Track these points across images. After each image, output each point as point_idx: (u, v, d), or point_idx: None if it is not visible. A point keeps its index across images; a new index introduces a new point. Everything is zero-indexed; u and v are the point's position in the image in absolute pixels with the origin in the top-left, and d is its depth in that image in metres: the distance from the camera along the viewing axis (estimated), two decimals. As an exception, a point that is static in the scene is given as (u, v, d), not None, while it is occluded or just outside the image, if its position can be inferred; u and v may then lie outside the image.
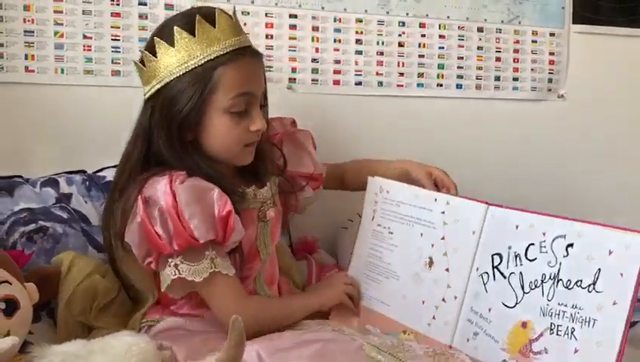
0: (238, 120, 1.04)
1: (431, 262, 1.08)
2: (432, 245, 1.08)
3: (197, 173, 1.01)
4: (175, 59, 1.00)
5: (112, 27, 1.38)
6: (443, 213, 1.08)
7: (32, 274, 0.98)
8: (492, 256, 0.99)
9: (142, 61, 1.06)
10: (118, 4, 1.38)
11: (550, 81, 1.74)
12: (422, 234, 1.10)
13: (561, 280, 0.89)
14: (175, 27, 1.01)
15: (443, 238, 1.06)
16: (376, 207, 1.20)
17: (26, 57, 1.32)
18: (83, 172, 1.26)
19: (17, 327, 0.88)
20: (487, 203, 1.03)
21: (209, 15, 1.02)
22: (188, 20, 1.02)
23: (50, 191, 1.16)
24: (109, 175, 1.24)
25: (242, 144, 1.06)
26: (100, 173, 1.26)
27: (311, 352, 0.88)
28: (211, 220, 0.96)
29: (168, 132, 1.02)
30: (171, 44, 1.01)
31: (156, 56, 1.02)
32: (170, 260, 0.97)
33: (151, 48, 1.03)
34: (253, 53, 1.07)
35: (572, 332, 0.86)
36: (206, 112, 1.02)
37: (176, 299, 1.04)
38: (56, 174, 1.22)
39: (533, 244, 0.94)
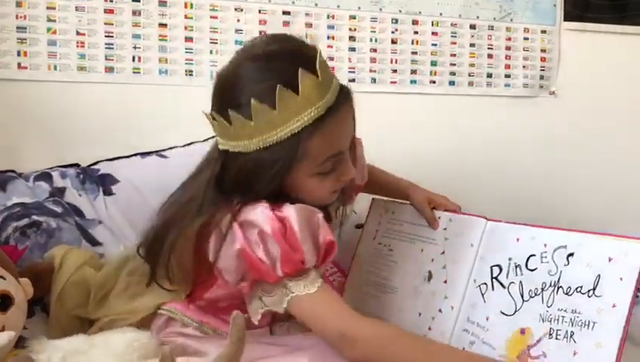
0: (328, 176, 0.94)
1: (430, 276, 1.09)
2: (432, 260, 1.09)
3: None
4: (254, 132, 0.88)
5: (105, 24, 1.37)
6: (445, 229, 1.10)
7: (26, 270, 0.97)
8: (491, 267, 1.00)
9: (212, 116, 0.93)
10: (111, 1, 1.38)
11: (542, 77, 1.75)
12: (422, 250, 1.11)
13: (561, 287, 0.90)
14: (253, 100, 0.86)
15: (443, 253, 1.08)
16: (379, 227, 1.21)
17: (19, 54, 1.32)
18: (77, 165, 1.25)
19: (12, 322, 0.87)
20: (485, 218, 1.05)
21: (290, 80, 0.86)
22: (268, 91, 0.86)
23: (44, 186, 1.15)
24: (104, 168, 1.24)
25: (332, 191, 0.97)
26: (94, 167, 1.25)
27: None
28: (317, 245, 0.89)
29: (249, 191, 0.91)
30: (249, 117, 0.88)
31: (231, 125, 0.89)
32: (277, 285, 0.88)
33: (224, 113, 0.90)
34: (344, 99, 0.93)
35: (571, 336, 0.87)
36: (292, 177, 0.92)
37: (203, 299, 0.99)
38: (50, 168, 1.22)
39: (534, 255, 0.95)
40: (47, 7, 1.33)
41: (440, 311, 1.04)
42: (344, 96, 0.93)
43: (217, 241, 0.90)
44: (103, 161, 1.25)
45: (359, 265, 1.22)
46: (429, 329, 1.04)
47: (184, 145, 1.34)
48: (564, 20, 1.75)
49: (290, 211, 0.88)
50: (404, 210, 1.18)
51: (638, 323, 1.19)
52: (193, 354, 0.95)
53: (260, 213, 0.88)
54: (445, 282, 1.06)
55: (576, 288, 0.88)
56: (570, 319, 0.88)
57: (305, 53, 0.90)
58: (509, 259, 0.98)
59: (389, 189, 1.25)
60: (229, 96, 0.91)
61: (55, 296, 1.00)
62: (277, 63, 0.89)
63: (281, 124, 0.87)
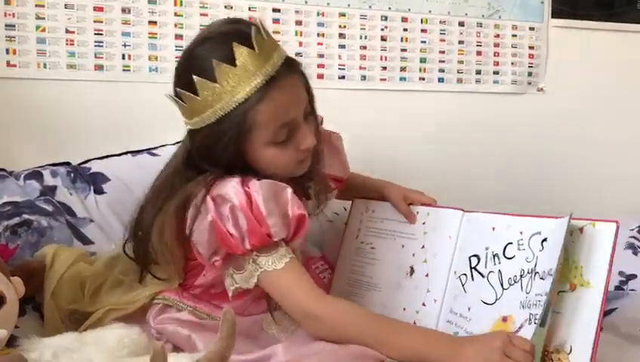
0: (285, 145, 0.97)
1: (412, 271, 1.10)
2: (413, 254, 1.11)
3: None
4: (202, 108, 0.93)
5: (94, 21, 1.37)
6: (424, 223, 1.12)
7: (18, 268, 0.98)
8: (469, 257, 1.02)
9: (177, 95, 0.98)
10: (100, -2, 1.38)
11: (530, 74, 1.77)
12: (403, 246, 1.13)
13: (537, 272, 0.91)
14: (194, 77, 0.92)
15: (423, 247, 1.10)
16: (361, 226, 1.23)
17: (8, 52, 1.32)
18: (67, 164, 1.25)
19: (4, 321, 0.87)
20: (462, 210, 1.07)
21: (227, 54, 0.91)
22: (207, 68, 0.92)
23: (35, 184, 1.15)
24: (95, 166, 1.24)
25: (295, 162, 1.00)
26: (85, 165, 1.25)
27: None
28: (286, 219, 0.93)
29: (216, 165, 0.97)
30: (194, 92, 0.93)
31: (184, 102, 0.95)
32: (246, 258, 0.93)
33: (177, 93, 0.97)
34: (288, 70, 0.96)
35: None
36: (249, 148, 0.96)
37: (198, 284, 1.02)
38: (40, 167, 1.21)
39: (511, 243, 0.97)
40: (36, 5, 1.33)
41: (424, 304, 1.06)
42: (289, 66, 0.97)
43: (192, 215, 0.95)
44: (93, 159, 1.25)
45: (343, 264, 1.23)
46: (414, 322, 1.05)
47: (175, 143, 1.33)
48: (552, 17, 1.77)
49: (256, 186, 0.92)
50: (384, 207, 1.19)
51: (624, 318, 1.22)
52: (184, 340, 0.97)
53: (230, 188, 0.93)
54: (427, 276, 1.07)
55: (549, 271, 0.88)
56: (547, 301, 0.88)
57: (243, 31, 0.94)
58: (487, 249, 0.99)
59: (366, 191, 1.27)
60: (179, 75, 0.98)
61: (49, 293, 1.00)
62: (215, 41, 0.95)
63: (224, 96, 0.92)
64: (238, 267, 0.95)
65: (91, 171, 1.22)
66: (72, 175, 1.20)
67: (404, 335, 0.91)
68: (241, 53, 0.91)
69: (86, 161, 1.26)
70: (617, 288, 1.41)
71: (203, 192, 0.94)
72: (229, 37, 0.93)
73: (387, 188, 1.21)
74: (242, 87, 0.91)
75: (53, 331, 0.95)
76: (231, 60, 0.91)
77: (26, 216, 1.08)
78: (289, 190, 0.94)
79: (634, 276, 1.43)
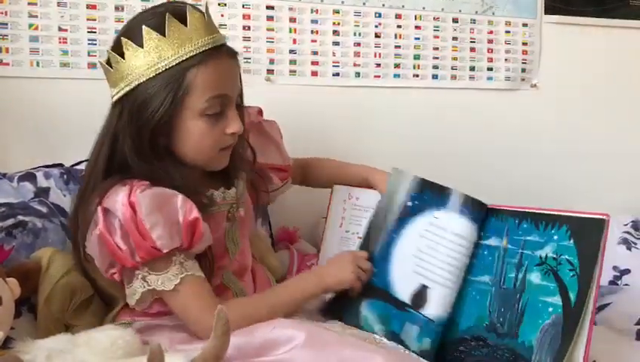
0: (214, 123, 0.99)
1: None
2: None
3: (164, 180, 0.97)
4: (144, 61, 0.95)
5: (87, 19, 1.37)
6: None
7: (13, 269, 0.97)
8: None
9: (108, 62, 1.00)
10: (93, -4, 1.37)
11: (523, 70, 1.77)
12: None
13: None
14: (144, 26, 0.95)
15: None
16: (344, 214, 1.22)
17: (0, 50, 1.31)
18: (60, 165, 1.25)
19: (0, 322, 0.88)
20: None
21: (180, 13, 0.96)
22: (158, 19, 0.96)
23: (28, 186, 1.15)
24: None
25: (218, 148, 1.01)
26: (77, 167, 1.25)
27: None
28: (176, 227, 0.92)
29: (138, 137, 0.96)
30: (140, 44, 0.95)
31: (124, 58, 0.96)
32: (137, 272, 0.93)
33: (118, 48, 0.98)
34: (229, 53, 1.01)
35: None
36: (179, 116, 0.97)
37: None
38: (34, 168, 1.21)
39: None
40: (29, 3, 1.32)
41: None
42: (231, 51, 1.02)
43: (86, 226, 0.95)
44: (85, 160, 1.24)
45: (328, 253, 1.21)
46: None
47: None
48: (545, 14, 1.77)
49: (140, 198, 0.91)
50: (368, 196, 1.18)
51: (618, 313, 1.23)
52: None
53: (118, 200, 0.92)
54: None
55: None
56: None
57: (197, 5, 1.00)
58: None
59: (347, 177, 1.26)
60: (124, 31, 1.00)
61: (43, 298, 1.00)
62: (170, 5, 1.03)
63: (169, 50, 0.94)
64: (128, 281, 0.96)
65: (83, 173, 1.21)
66: (65, 176, 1.20)
67: (281, 294, 1.02)
68: (192, 15, 0.97)
69: (78, 163, 1.25)
70: (611, 283, 1.43)
71: (96, 203, 0.94)
72: (184, 4, 0.98)
73: (372, 175, 1.21)
74: (187, 47, 0.95)
75: (45, 334, 0.94)
76: (182, 19, 0.96)
77: (20, 218, 1.08)
78: (179, 197, 0.93)
79: (628, 271, 1.44)
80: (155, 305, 1.02)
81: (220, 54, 0.99)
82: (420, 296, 1.02)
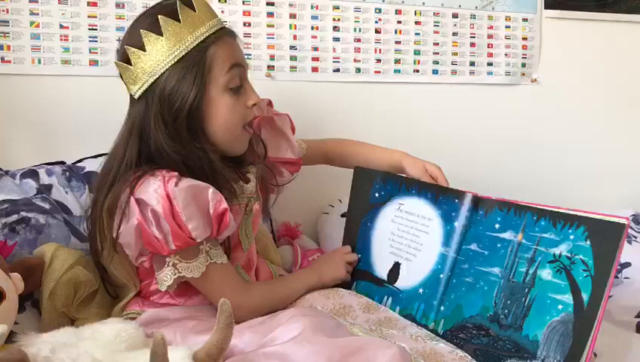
0: (237, 97, 1.05)
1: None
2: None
3: (199, 163, 1.01)
4: (166, 48, 0.99)
5: (89, 16, 1.37)
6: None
7: (17, 265, 0.98)
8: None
9: (125, 60, 1.02)
10: (94, -7, 1.37)
11: (524, 65, 1.77)
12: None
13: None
14: (160, 16, 0.99)
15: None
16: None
17: (2, 47, 1.31)
18: (62, 163, 1.25)
19: (3, 317, 0.88)
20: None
21: (188, 3, 1.02)
22: (170, 8, 1.01)
23: (31, 183, 1.16)
24: (89, 165, 1.24)
25: (243, 123, 1.07)
26: (79, 164, 1.25)
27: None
28: (207, 218, 0.97)
29: (173, 124, 1.00)
30: (159, 33, 0.99)
31: (145, 50, 0.99)
32: (167, 260, 0.97)
33: (137, 42, 1.00)
34: (231, 33, 1.09)
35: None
36: (208, 94, 1.02)
37: (156, 289, 1.05)
38: (36, 166, 1.22)
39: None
40: (30, 1, 1.33)
41: None
42: (233, 32, 1.09)
43: (118, 217, 0.98)
44: (87, 158, 1.25)
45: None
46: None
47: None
48: (545, 8, 1.77)
49: (176, 191, 0.95)
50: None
51: (619, 305, 1.24)
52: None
53: (152, 192, 0.95)
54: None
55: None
56: None
57: None
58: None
59: (376, 160, 1.29)
60: (138, 24, 1.03)
61: (47, 293, 1.01)
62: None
63: (187, 34, 1.00)
64: (159, 268, 0.99)
65: (85, 170, 1.22)
66: (67, 174, 1.21)
67: (290, 286, 1.11)
68: (197, 1, 1.03)
69: (80, 160, 1.26)
70: (611, 276, 1.43)
71: (127, 194, 0.97)
72: None
73: (404, 161, 1.26)
74: (202, 28, 1.02)
75: (50, 328, 0.95)
76: (190, 6, 1.02)
77: (23, 214, 1.08)
78: (210, 190, 0.97)
79: (628, 264, 1.44)
80: (164, 296, 1.05)
81: (226, 33, 1.07)
82: (394, 272, 1.16)
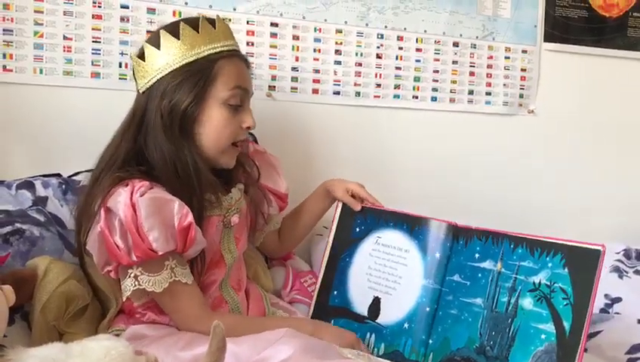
0: (234, 114, 1.09)
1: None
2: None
3: (186, 165, 1.04)
4: (179, 51, 1.06)
5: (92, 29, 1.37)
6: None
7: (8, 276, 0.97)
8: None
9: (140, 56, 1.09)
10: (99, 6, 1.38)
11: (521, 96, 1.79)
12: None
13: None
14: (182, 23, 1.08)
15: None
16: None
17: (4, 56, 1.31)
18: (59, 175, 1.25)
19: (-7, 329, 0.87)
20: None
21: (210, 18, 1.11)
22: (192, 20, 1.09)
23: (27, 194, 1.15)
24: (85, 179, 1.23)
25: (232, 140, 1.11)
26: (75, 178, 1.25)
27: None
28: (171, 231, 0.97)
29: (169, 115, 1.04)
30: (177, 36, 1.06)
31: (159, 48, 1.06)
32: (129, 271, 0.98)
33: (155, 41, 1.08)
34: (247, 61, 1.15)
35: None
36: (206, 101, 1.07)
37: (139, 306, 1.06)
38: (32, 177, 1.21)
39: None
40: (35, 11, 1.33)
41: None
42: (248, 61, 1.17)
43: (88, 224, 1.00)
44: (83, 171, 1.24)
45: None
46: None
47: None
48: (545, 41, 1.79)
49: (140, 201, 0.96)
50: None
51: (610, 341, 1.24)
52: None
53: (120, 200, 0.97)
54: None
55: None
56: None
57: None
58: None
59: (308, 204, 1.32)
60: (162, 27, 1.12)
61: (40, 306, 1.00)
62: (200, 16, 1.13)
63: (201, 44, 1.07)
64: (122, 277, 1.00)
65: (82, 184, 1.21)
66: (63, 187, 1.20)
67: (266, 326, 1.00)
68: (220, 21, 1.12)
69: (76, 174, 1.26)
70: (602, 311, 1.43)
71: (99, 201, 0.99)
72: (211, 16, 1.13)
73: (328, 186, 1.28)
74: (217, 42, 1.08)
75: (39, 342, 0.94)
76: (212, 23, 1.10)
77: (18, 225, 1.08)
78: (176, 203, 0.99)
79: (619, 299, 1.45)
80: (148, 312, 1.05)
81: (242, 58, 1.14)
82: (374, 307, 1.14)
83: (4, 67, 1.31)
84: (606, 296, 1.45)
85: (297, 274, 1.38)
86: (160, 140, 1.04)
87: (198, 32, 1.07)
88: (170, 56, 1.06)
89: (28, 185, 1.17)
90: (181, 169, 1.04)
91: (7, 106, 1.32)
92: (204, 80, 1.06)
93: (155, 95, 1.06)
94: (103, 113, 1.38)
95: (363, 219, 1.22)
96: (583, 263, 0.90)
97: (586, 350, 1.05)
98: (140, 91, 1.09)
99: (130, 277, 0.98)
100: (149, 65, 1.07)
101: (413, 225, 1.14)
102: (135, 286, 0.98)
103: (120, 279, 1.01)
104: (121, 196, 0.98)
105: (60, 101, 1.36)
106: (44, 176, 1.22)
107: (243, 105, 1.11)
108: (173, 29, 1.08)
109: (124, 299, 1.01)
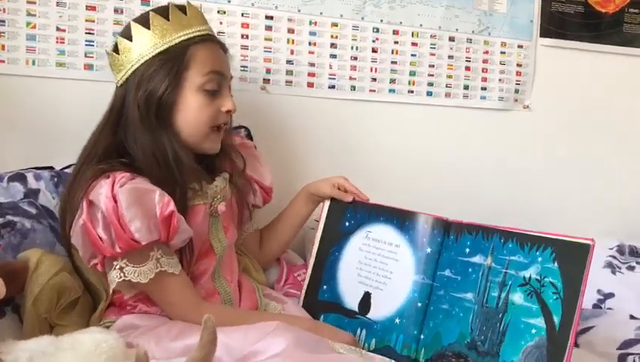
0: (211, 99, 1.09)
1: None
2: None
3: (165, 154, 1.04)
4: (150, 41, 1.06)
5: (86, 20, 1.37)
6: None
7: (0, 269, 0.97)
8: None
9: (115, 49, 1.10)
10: (93, -3, 1.37)
11: (517, 91, 1.79)
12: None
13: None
14: (151, 12, 1.08)
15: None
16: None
17: (-4, 47, 1.30)
18: (51, 168, 1.24)
19: (-17, 322, 0.87)
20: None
21: (180, 5, 1.11)
22: (162, 9, 1.10)
23: (18, 186, 1.15)
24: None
25: (212, 124, 1.10)
26: (67, 170, 1.24)
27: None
28: (153, 221, 0.97)
29: (145, 105, 1.05)
30: (147, 27, 1.07)
31: (132, 40, 1.07)
32: (114, 263, 0.98)
33: (126, 33, 1.09)
34: (223, 46, 1.15)
35: None
36: (181, 88, 1.07)
37: (130, 299, 1.06)
38: (24, 169, 1.20)
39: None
40: (28, 2, 1.32)
41: None
42: (224, 46, 1.16)
43: (72, 217, 1.00)
44: (74, 165, 1.23)
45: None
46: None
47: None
48: (540, 36, 1.79)
49: (120, 192, 0.96)
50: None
51: (601, 336, 1.24)
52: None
53: (102, 193, 0.97)
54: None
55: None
56: None
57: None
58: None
59: (290, 210, 1.31)
60: (133, 18, 1.12)
61: (31, 298, 1.00)
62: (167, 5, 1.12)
63: (172, 31, 1.07)
64: (108, 269, 1.00)
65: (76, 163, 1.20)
66: (55, 179, 1.20)
67: (255, 319, 0.99)
68: (191, 7, 1.11)
69: (68, 166, 1.24)
70: (595, 306, 1.43)
71: (81, 194, 0.99)
72: (181, 3, 1.12)
73: (310, 188, 1.27)
74: (188, 29, 1.08)
75: (30, 334, 0.94)
76: (183, 10, 1.10)
77: (9, 218, 1.07)
78: (157, 192, 0.99)
79: (611, 295, 1.45)
80: (140, 304, 1.06)
81: (216, 42, 1.13)
82: (365, 302, 1.14)
83: (-3, 58, 1.30)
84: (599, 291, 1.46)
85: (291, 268, 1.38)
86: (138, 131, 1.05)
87: (169, 20, 1.07)
88: (142, 46, 1.06)
89: (20, 177, 1.17)
90: (161, 158, 1.04)
91: (-1, 97, 1.31)
92: (177, 66, 1.06)
93: (131, 87, 1.07)
94: (96, 105, 1.36)
95: (353, 214, 1.22)
96: (572, 257, 0.90)
97: (577, 345, 1.06)
98: (118, 85, 1.10)
99: (115, 269, 0.98)
100: (123, 57, 1.08)
101: (403, 220, 1.14)
102: (121, 277, 0.98)
103: (106, 271, 1.00)
104: (102, 188, 0.98)
105: (52, 93, 1.35)
106: (36, 168, 1.22)
107: (221, 89, 1.11)
108: (143, 20, 1.08)
109: (110, 292, 1.02)
